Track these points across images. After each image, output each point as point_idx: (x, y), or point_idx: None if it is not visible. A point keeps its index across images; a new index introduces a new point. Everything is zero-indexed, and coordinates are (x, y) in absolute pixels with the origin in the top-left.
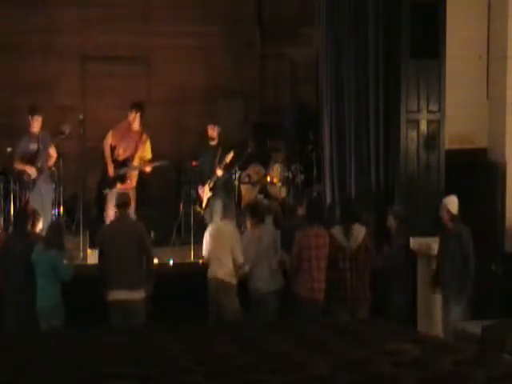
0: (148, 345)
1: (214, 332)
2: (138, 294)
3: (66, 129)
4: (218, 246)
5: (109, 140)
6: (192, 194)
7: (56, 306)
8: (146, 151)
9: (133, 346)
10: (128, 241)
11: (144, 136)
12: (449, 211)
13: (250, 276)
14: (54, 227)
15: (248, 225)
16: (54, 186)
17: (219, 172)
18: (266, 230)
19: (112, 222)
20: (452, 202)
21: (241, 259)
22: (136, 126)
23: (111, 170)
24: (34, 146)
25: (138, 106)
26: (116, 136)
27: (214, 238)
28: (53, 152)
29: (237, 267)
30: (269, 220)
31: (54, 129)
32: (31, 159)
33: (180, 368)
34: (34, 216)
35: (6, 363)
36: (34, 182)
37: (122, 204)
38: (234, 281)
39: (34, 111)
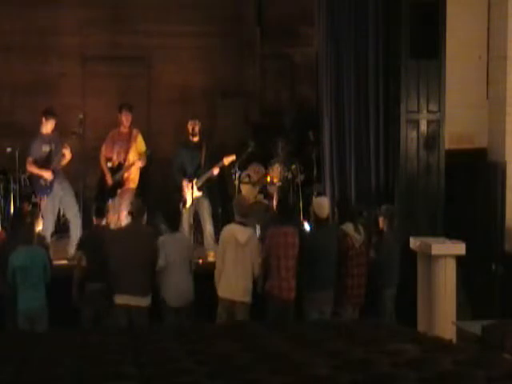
0: (148, 345)
1: (214, 332)
2: (145, 301)
3: (77, 129)
4: (232, 254)
5: (103, 153)
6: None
7: (39, 308)
8: (139, 145)
9: (133, 345)
10: (139, 247)
11: (134, 131)
12: (314, 213)
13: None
14: (28, 224)
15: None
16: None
17: (215, 171)
18: None
19: (124, 228)
20: (316, 205)
21: (257, 272)
22: (125, 126)
23: (109, 181)
24: (46, 148)
25: (126, 107)
26: (108, 147)
27: (230, 245)
28: (67, 153)
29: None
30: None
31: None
32: (45, 162)
33: (180, 368)
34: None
35: (5, 363)
36: (51, 185)
37: (138, 212)
38: (250, 298)
39: (49, 114)
